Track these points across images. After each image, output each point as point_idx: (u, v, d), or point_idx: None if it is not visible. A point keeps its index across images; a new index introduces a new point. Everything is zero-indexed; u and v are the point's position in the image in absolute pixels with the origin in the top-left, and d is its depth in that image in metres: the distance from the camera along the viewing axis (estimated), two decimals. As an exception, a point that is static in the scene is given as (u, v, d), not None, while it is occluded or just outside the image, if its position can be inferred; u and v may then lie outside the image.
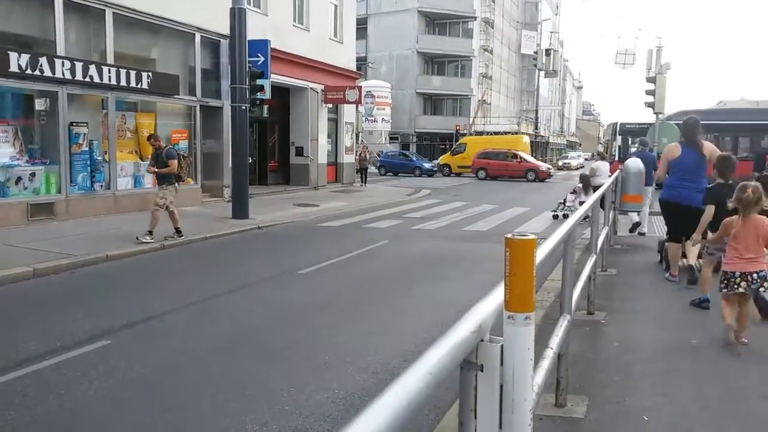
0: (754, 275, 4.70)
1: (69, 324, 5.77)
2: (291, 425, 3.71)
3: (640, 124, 27.13)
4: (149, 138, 10.94)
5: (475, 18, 51.85)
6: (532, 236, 1.45)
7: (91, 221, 12.06)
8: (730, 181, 5.83)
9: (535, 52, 40.36)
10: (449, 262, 9.33)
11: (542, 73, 42.51)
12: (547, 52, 36.71)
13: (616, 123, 27.19)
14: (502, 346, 1.42)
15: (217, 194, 16.55)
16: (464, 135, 48.52)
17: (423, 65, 52.40)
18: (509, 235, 1.47)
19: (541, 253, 2.36)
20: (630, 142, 25.10)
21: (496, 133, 44.57)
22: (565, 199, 14.55)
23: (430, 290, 7.33)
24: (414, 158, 37.65)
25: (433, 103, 55.00)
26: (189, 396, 4.21)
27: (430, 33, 52.38)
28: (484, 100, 52.33)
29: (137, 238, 10.00)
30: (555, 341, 3.05)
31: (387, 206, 17.53)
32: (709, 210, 5.85)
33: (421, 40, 50.23)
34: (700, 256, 6.85)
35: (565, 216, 13.51)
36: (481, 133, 48.82)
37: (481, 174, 33.26)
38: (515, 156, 33.57)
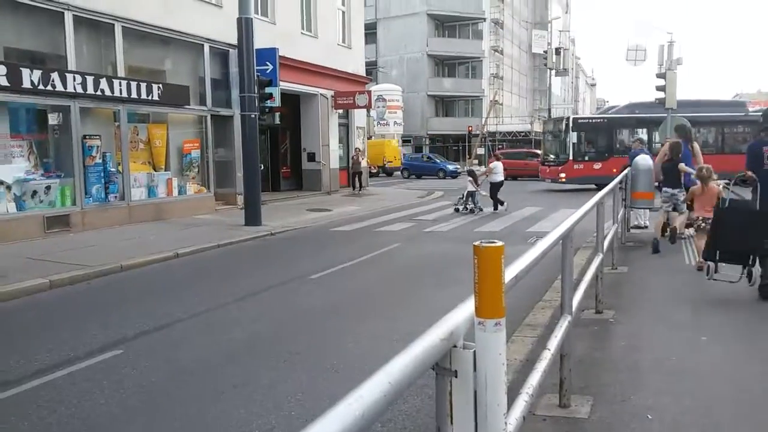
0: (708, 219, 7.02)
1: (83, 334, 5.87)
2: (296, 430, 3.75)
3: (593, 118, 25.39)
4: None
5: (485, 19, 51.75)
6: (499, 243, 1.47)
7: (107, 232, 12.23)
8: (675, 160, 9.10)
9: (545, 51, 40.14)
10: (461, 264, 9.28)
11: (553, 72, 42.24)
12: (557, 51, 36.43)
13: (568, 118, 24.60)
14: (474, 352, 1.44)
15: (231, 202, 16.69)
16: (476, 136, 48.37)
17: (434, 68, 52.39)
18: (477, 243, 1.49)
19: (532, 255, 2.38)
20: (583, 139, 23.45)
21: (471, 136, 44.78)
22: (462, 195, 16.43)
23: (442, 294, 7.33)
24: (438, 161, 37.73)
25: (444, 105, 54.96)
26: (198, 404, 4.27)
27: (440, 35, 52.39)
28: (496, 101, 52.09)
29: None
30: (553, 342, 3.06)
31: (399, 209, 17.55)
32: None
33: (431, 43, 50.22)
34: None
35: (467, 209, 15.99)
36: (494, 134, 48.62)
37: None
38: (535, 155, 33.47)
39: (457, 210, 16.24)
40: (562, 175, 23.09)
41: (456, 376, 1.43)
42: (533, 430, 3.39)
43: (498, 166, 16.68)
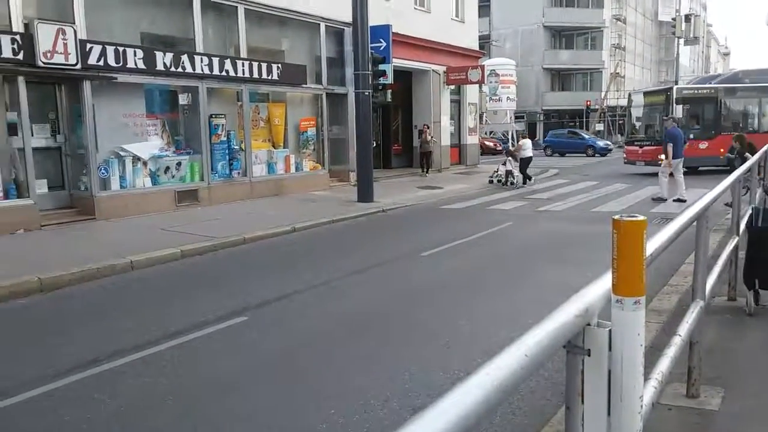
0: None
1: (212, 301, 6.28)
2: (412, 403, 3.82)
3: (699, 89, 21.10)
4: None
5: (607, -14, 48.99)
6: (641, 217, 1.40)
7: (230, 206, 12.97)
8: None
9: (673, 19, 37.38)
10: (576, 245, 9.02)
11: (682, 41, 39.29)
12: (687, 17, 33.76)
13: (670, 88, 20.82)
14: (610, 331, 1.39)
15: (344, 179, 17.10)
16: (595, 110, 46.24)
17: (550, 39, 50.40)
18: (617, 216, 1.42)
19: (665, 234, 2.25)
20: (688, 114, 19.78)
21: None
22: (497, 169, 17.79)
23: (555, 273, 7.14)
24: (585, 136, 35.54)
25: (561, 79, 52.82)
26: (317, 371, 4.45)
27: (558, 5, 50.18)
28: (617, 73, 49.44)
29: None
30: (684, 328, 2.88)
31: (512, 188, 17.19)
32: None
33: (547, 13, 48.28)
34: None
35: (500, 182, 17.29)
36: (614, 108, 46.23)
37: None
38: None
39: (491, 182, 17.56)
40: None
41: (589, 355, 1.38)
42: (659, 419, 3.23)
43: (527, 143, 17.78)
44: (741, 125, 20.31)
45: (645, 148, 20.29)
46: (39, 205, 10.46)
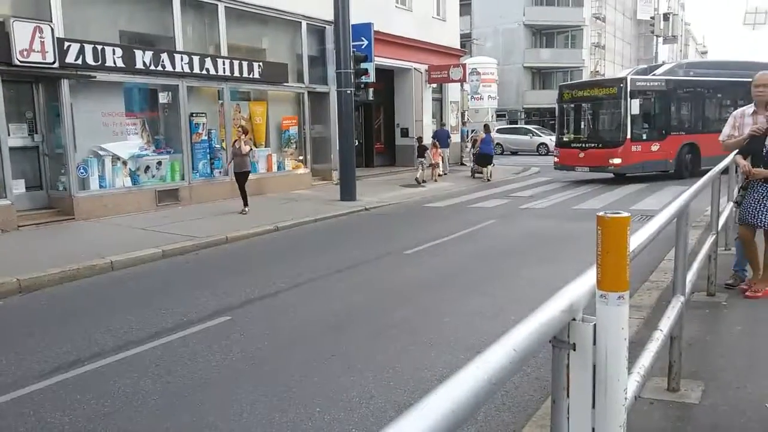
0: None
1: (194, 301, 6.24)
2: (396, 399, 3.83)
3: (652, 81, 17.24)
4: None
5: (586, -15, 49.41)
6: (625, 214, 1.42)
7: (212, 205, 12.88)
8: None
9: (652, 18, 37.81)
10: (559, 242, 9.09)
11: (660, 40, 39.72)
12: (666, 16, 34.20)
13: (623, 79, 16.89)
14: (594, 325, 1.41)
15: (326, 177, 17.07)
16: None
17: (531, 38, 50.69)
18: (601, 213, 1.45)
19: (647, 230, 2.28)
20: (641, 110, 16.52)
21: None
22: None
23: (538, 271, 7.20)
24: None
25: (541, 77, 53.14)
26: (300, 369, 4.44)
27: (538, 4, 50.47)
28: (597, 71, 49.85)
29: None
30: (666, 323, 2.93)
31: (494, 186, 17.30)
32: None
33: (528, 12, 48.54)
34: None
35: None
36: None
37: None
38: None
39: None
40: (617, 160, 16.46)
41: (574, 350, 1.40)
42: (641, 412, 3.28)
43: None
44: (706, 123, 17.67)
45: (588, 151, 17.19)
46: (16, 205, 10.30)
